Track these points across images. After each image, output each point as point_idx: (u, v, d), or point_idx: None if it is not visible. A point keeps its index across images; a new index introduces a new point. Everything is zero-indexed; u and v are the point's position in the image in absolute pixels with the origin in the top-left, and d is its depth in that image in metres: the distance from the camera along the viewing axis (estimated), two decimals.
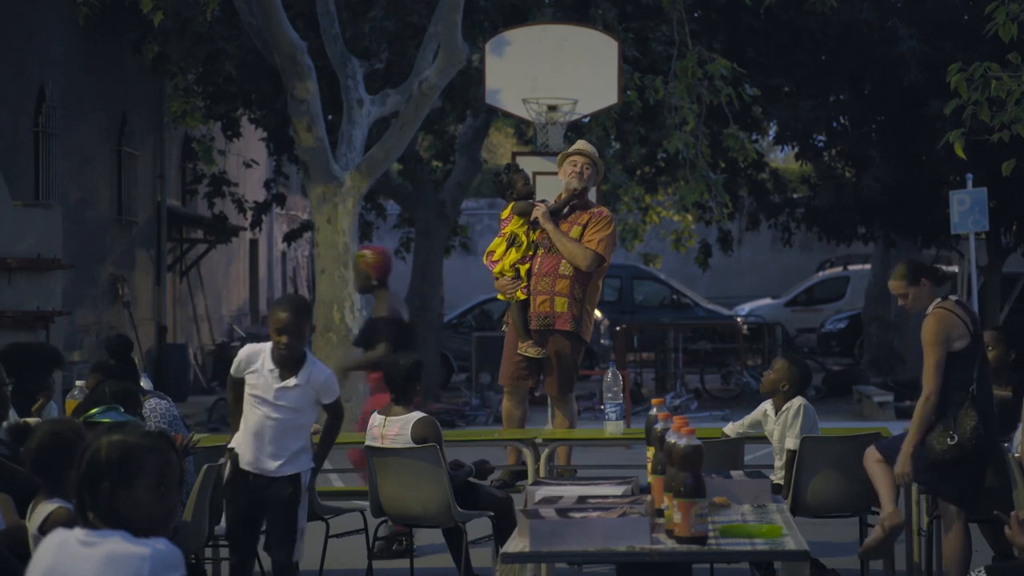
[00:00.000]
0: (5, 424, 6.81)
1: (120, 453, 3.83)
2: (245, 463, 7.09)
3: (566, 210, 9.47)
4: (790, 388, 8.28)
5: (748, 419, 8.55)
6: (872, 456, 7.82)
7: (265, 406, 7.02)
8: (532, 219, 9.43)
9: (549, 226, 9.37)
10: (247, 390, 7.07)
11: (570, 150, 9.70)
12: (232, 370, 7.10)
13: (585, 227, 9.38)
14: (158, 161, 23.61)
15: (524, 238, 9.44)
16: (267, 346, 7.05)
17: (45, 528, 5.36)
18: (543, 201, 9.67)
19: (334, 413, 7.29)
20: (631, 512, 5.36)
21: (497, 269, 9.50)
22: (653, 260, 28.06)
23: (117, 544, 3.74)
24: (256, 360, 7.04)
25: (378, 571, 8.54)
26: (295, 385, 7.02)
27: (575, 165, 9.49)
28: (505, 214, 9.62)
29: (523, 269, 9.43)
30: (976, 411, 7.46)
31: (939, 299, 7.67)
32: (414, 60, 16.47)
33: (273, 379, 7.01)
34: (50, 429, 5.74)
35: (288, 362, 7.01)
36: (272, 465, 7.06)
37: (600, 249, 9.33)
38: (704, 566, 7.77)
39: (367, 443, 8.32)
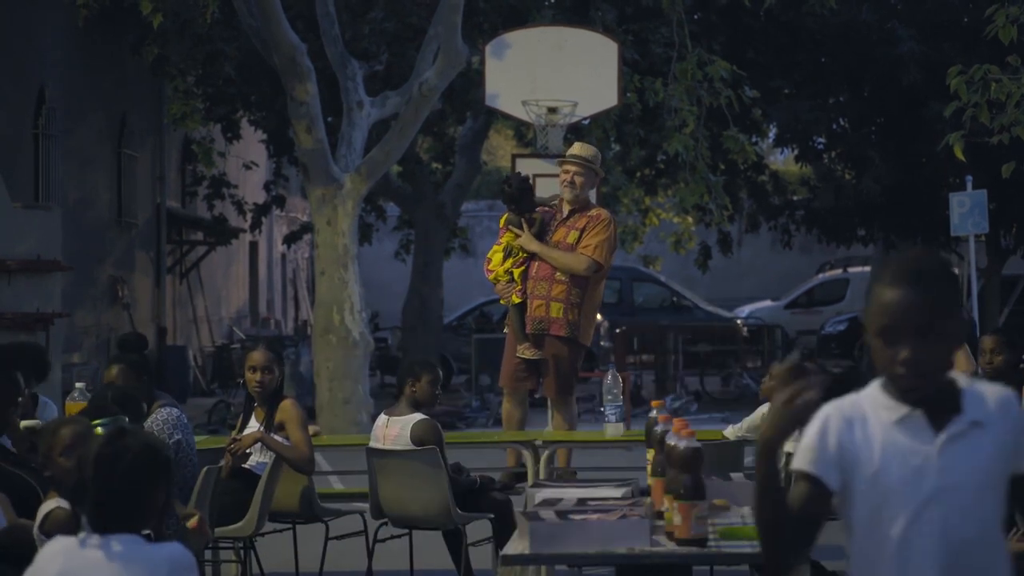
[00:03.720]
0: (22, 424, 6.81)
1: (132, 459, 3.85)
2: None
3: (566, 213, 9.47)
4: None
5: (747, 422, 8.53)
6: None
7: (917, 509, 3.16)
8: (520, 244, 9.40)
9: (535, 247, 9.36)
10: (861, 506, 3.26)
11: (566, 155, 9.69)
12: (816, 461, 3.42)
13: (583, 231, 9.37)
14: (158, 163, 23.61)
15: (519, 248, 9.46)
16: (867, 396, 3.31)
17: (45, 527, 5.37)
18: (543, 203, 9.66)
19: None
20: (631, 514, 5.36)
21: (492, 276, 9.53)
22: (653, 262, 28.08)
23: (133, 548, 3.76)
24: (853, 425, 3.30)
25: (378, 573, 8.54)
26: (974, 425, 3.18)
27: (567, 173, 9.47)
28: (503, 222, 9.62)
29: (516, 273, 9.43)
30: None
31: None
32: (414, 62, 16.48)
33: (917, 441, 3.18)
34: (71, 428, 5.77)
35: (945, 401, 3.19)
36: None
37: (596, 255, 9.29)
38: (704, 568, 7.76)
39: (371, 444, 8.32)
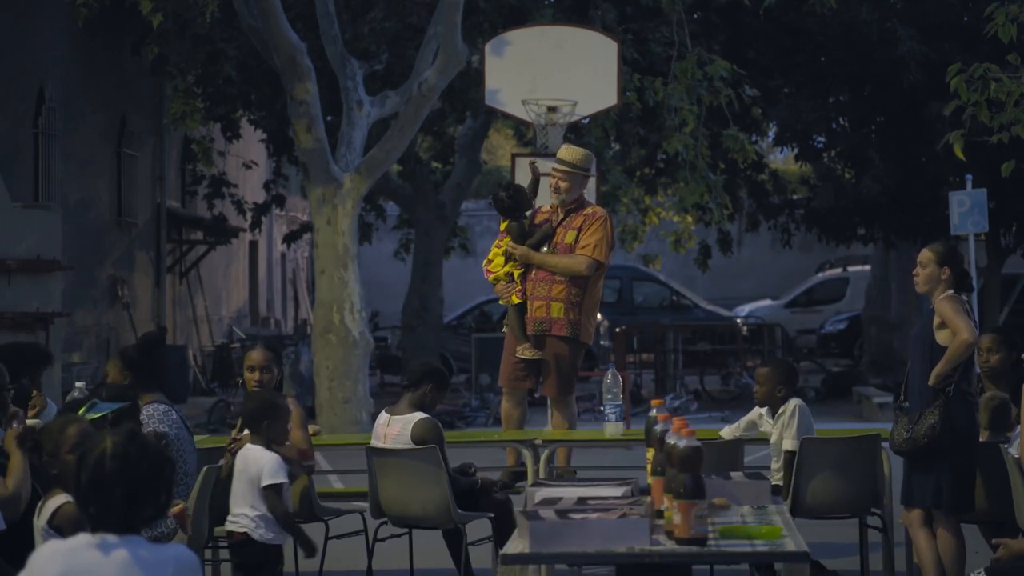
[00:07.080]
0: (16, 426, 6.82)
1: (126, 460, 3.84)
2: None
3: (562, 214, 9.49)
4: (785, 391, 8.26)
5: (743, 421, 8.53)
6: (917, 520, 7.66)
7: None
8: (519, 259, 9.42)
9: (535, 260, 9.38)
10: None
11: (556, 157, 9.70)
12: None
13: (580, 230, 9.38)
14: (158, 162, 23.61)
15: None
16: None
17: (55, 522, 5.39)
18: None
19: None
20: (631, 513, 5.36)
21: (492, 278, 9.55)
22: (653, 261, 28.07)
23: (138, 550, 3.75)
24: None
25: (378, 572, 8.54)
26: None
27: (553, 178, 9.49)
28: (503, 227, 9.64)
29: (516, 273, 9.45)
30: (941, 412, 7.36)
31: (951, 291, 7.53)
32: (414, 61, 16.48)
33: None
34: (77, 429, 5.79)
35: None
36: None
37: (596, 254, 9.31)
38: (704, 567, 7.76)
39: (372, 442, 8.33)
